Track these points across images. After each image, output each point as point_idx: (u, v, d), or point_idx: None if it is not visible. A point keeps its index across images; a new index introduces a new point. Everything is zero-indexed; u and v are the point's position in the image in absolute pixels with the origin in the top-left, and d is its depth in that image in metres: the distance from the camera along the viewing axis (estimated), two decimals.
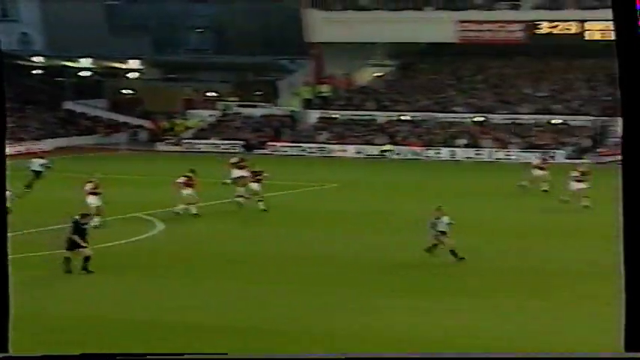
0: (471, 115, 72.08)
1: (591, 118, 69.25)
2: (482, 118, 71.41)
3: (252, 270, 30.39)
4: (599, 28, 71.50)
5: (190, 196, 40.54)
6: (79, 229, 29.70)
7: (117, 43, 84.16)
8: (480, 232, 35.70)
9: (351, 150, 70.06)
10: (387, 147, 68.53)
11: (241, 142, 73.73)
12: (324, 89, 78.63)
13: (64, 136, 76.55)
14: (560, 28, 73.08)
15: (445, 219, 30.56)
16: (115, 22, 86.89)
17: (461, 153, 68.06)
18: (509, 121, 70.74)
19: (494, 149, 67.86)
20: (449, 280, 28.68)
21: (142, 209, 41.58)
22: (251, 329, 23.22)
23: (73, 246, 29.36)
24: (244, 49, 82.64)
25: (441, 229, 30.45)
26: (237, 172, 44.05)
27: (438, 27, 74.65)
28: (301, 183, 51.61)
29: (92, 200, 38.31)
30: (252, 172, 42.33)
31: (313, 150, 70.88)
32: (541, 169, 47.22)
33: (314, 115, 76.16)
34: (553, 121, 69.57)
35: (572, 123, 69.17)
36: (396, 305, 25.44)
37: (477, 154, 67.82)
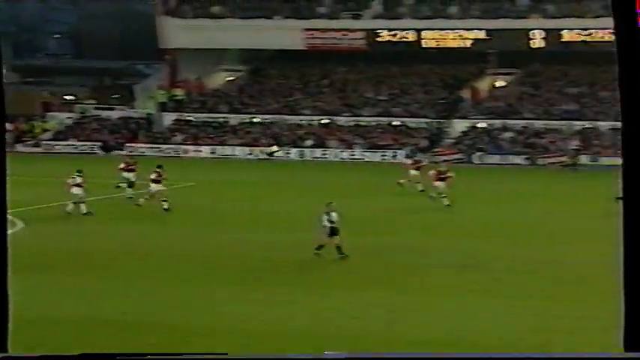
0: (318, 117, 73.76)
1: (428, 120, 71.42)
2: (327, 120, 73.18)
3: (106, 265, 30.91)
4: (435, 36, 74.17)
5: (79, 195, 40.59)
6: None
7: None
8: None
9: (205, 150, 71.30)
10: (275, 148, 69.60)
11: (99, 143, 74.17)
12: (178, 93, 79.45)
13: None
14: (399, 37, 75.00)
15: (334, 215, 30.39)
16: None
17: (308, 153, 69.95)
18: (353, 123, 72.41)
19: (339, 149, 69.96)
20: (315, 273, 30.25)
21: None
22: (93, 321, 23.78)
23: None
24: (102, 55, 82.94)
25: (330, 225, 30.15)
26: (128, 175, 44.74)
27: (286, 34, 76.05)
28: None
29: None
30: (155, 174, 42.15)
31: (169, 151, 71.92)
32: (417, 169, 47.48)
33: (169, 118, 76.95)
34: (393, 123, 71.38)
35: (410, 124, 71.17)
36: (238, 297, 26.47)
37: (323, 154, 69.71)
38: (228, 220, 40.42)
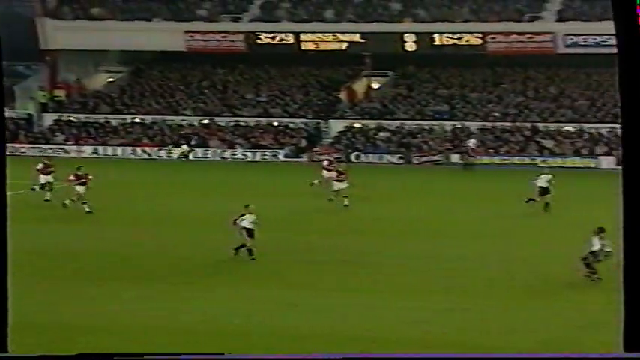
0: (199, 118, 74.60)
1: (306, 120, 72.88)
2: (208, 121, 74.15)
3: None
4: (312, 39, 75.61)
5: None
6: None
7: None
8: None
9: (88, 150, 71.61)
10: (185, 148, 69.74)
11: None
12: (59, 93, 79.48)
13: None
14: (277, 39, 76.02)
15: (251, 217, 31.07)
16: None
17: (191, 153, 70.81)
18: (234, 124, 73.42)
19: (220, 149, 70.98)
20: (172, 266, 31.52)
21: None
22: None
23: None
24: None
25: (246, 227, 30.89)
26: (44, 178, 44.74)
27: (166, 36, 76.27)
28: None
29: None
30: (77, 176, 42.23)
31: (50, 151, 71.93)
32: (329, 170, 47.51)
33: (50, 118, 76.88)
34: (273, 124, 72.63)
35: (290, 125, 72.57)
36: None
37: (205, 154, 70.71)
38: (122, 218, 41.33)
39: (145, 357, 6.95)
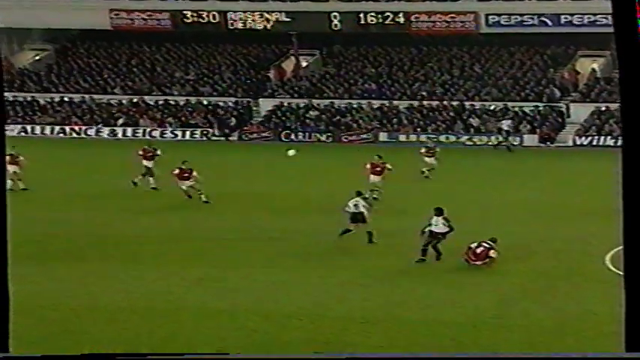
0: (128, 96, 74.09)
1: (236, 99, 72.66)
2: (137, 100, 73.69)
3: None
4: (240, 17, 75.23)
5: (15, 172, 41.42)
6: None
7: None
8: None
9: (16, 129, 70.60)
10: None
11: None
12: None
13: None
14: (204, 17, 75.69)
15: (360, 201, 31.90)
16: None
17: (120, 131, 70.41)
18: (163, 102, 73.08)
19: (150, 128, 70.55)
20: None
21: None
22: None
23: None
24: None
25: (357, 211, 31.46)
26: (147, 163, 44.14)
27: (92, 14, 75.20)
28: None
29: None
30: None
31: None
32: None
33: None
34: (203, 102, 72.39)
35: (220, 104, 72.21)
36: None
37: (134, 132, 70.29)
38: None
39: (148, 357, 6.89)
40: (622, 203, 6.84)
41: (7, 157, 40.55)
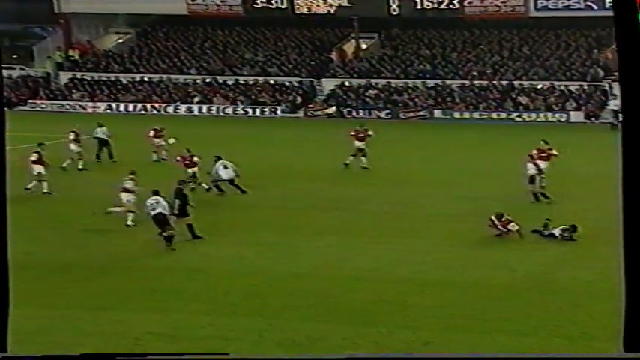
0: (202, 76, 74.46)
1: (301, 78, 72.47)
2: (211, 79, 74.08)
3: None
4: (305, 3, 75.26)
5: (76, 152, 40.73)
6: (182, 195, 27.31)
7: None
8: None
9: (102, 107, 71.47)
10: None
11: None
12: (73, 54, 79.17)
13: None
14: (273, 3, 75.59)
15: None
16: None
17: (196, 109, 70.89)
18: (234, 82, 73.22)
19: (223, 106, 70.97)
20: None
21: None
22: None
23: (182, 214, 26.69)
24: (0, 18, 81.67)
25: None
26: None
27: (171, 0, 75.91)
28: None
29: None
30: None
31: (68, 106, 71.91)
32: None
33: (65, 76, 76.69)
34: (270, 82, 72.55)
35: (286, 83, 72.31)
36: None
37: (209, 109, 70.77)
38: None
39: (147, 357, 6.60)
40: (622, 203, 6.52)
41: (72, 134, 40.61)
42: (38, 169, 34.89)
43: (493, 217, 27.43)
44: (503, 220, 27.34)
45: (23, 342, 18.20)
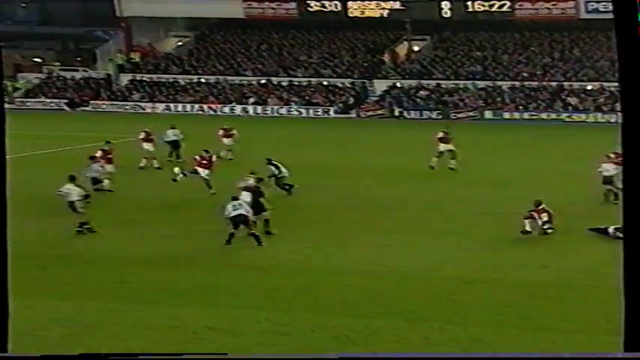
0: (257, 78, 74.92)
1: (353, 80, 72.68)
2: (266, 81, 74.44)
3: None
4: (358, 6, 75.32)
5: (149, 151, 40.50)
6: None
7: None
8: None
9: (160, 107, 72.21)
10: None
11: (65, 100, 74.62)
12: (134, 56, 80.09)
13: None
14: (327, 7, 75.80)
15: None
16: None
17: (251, 109, 71.27)
18: (288, 83, 73.71)
19: (277, 106, 71.27)
20: None
21: None
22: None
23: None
24: (65, 22, 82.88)
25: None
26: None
27: (228, 4, 76.47)
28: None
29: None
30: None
31: (128, 107, 72.73)
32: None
33: (125, 78, 77.64)
34: (324, 83, 72.76)
35: (338, 84, 72.50)
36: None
37: (264, 110, 71.15)
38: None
39: (140, 357, 6.45)
40: (622, 204, 6.38)
41: (142, 134, 40.84)
42: (107, 167, 35.06)
43: (533, 210, 27.28)
44: (539, 208, 27.18)
45: (84, 335, 18.62)
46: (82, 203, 27.43)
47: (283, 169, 33.90)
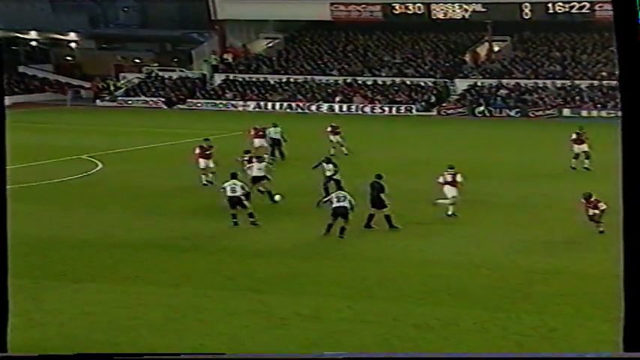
0: (343, 77, 74.96)
1: (435, 79, 72.26)
2: (351, 80, 74.44)
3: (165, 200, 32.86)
4: (441, 8, 74.75)
5: (259, 147, 39.02)
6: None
7: (59, 19, 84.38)
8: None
9: (252, 105, 72.75)
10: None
11: (163, 99, 75.69)
12: (227, 57, 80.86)
13: (20, 93, 77.14)
14: (411, 9, 75.74)
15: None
16: (56, 1, 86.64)
17: (337, 107, 71.30)
18: (372, 82, 73.53)
19: (362, 105, 71.21)
20: None
21: (85, 152, 42.29)
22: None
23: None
24: (163, 25, 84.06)
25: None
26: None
27: (316, 7, 76.74)
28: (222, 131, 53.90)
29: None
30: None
31: (221, 105, 73.42)
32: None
33: (219, 78, 78.41)
34: (407, 82, 72.65)
35: (421, 84, 72.23)
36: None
37: (349, 108, 71.12)
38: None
39: (144, 357, 6.33)
40: (622, 204, 6.16)
41: (252, 130, 40.32)
42: (204, 162, 34.29)
43: (583, 200, 26.53)
44: (592, 199, 26.45)
45: (174, 319, 18.77)
46: (246, 198, 27.85)
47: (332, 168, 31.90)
